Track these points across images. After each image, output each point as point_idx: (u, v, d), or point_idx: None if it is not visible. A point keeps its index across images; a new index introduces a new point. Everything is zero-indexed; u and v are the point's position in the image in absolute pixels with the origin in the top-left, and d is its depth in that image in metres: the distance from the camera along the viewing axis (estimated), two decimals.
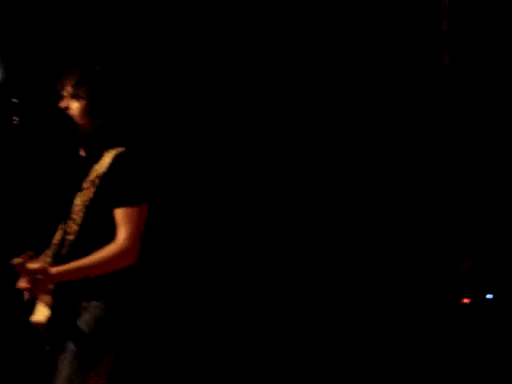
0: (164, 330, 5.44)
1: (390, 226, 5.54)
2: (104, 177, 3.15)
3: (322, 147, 5.62)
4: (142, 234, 3.14)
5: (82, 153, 3.30)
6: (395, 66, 5.55)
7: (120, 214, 3.11)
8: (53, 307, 3.10)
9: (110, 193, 3.13)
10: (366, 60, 5.52)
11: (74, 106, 3.22)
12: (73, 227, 3.16)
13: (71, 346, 3.07)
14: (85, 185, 3.17)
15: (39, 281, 2.96)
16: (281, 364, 5.49)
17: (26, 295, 3.14)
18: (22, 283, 3.05)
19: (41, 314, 3.11)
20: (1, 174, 5.87)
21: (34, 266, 2.94)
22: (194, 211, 5.55)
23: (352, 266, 5.56)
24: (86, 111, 3.21)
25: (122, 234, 3.09)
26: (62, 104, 3.23)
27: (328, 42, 5.57)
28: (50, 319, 3.09)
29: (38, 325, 3.10)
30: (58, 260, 3.16)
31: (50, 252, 3.26)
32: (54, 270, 3.02)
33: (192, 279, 5.52)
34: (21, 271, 2.96)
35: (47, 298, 3.13)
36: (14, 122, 3.19)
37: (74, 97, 3.21)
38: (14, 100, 3.20)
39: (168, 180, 5.31)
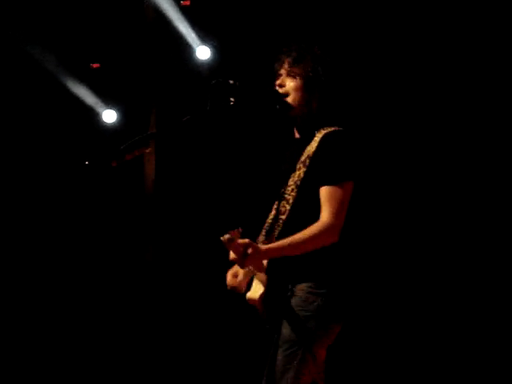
0: None
1: None
2: (313, 157, 3.21)
3: None
4: (345, 213, 3.14)
5: (297, 135, 3.36)
6: None
7: (324, 192, 3.15)
8: (267, 286, 3.18)
9: (318, 172, 3.19)
10: None
11: (290, 84, 3.28)
12: (286, 207, 3.23)
13: (284, 331, 3.12)
14: (297, 166, 3.24)
15: (249, 255, 2.99)
16: None
17: (234, 281, 3.24)
18: (232, 255, 3.13)
19: (255, 291, 3.22)
20: (214, 154, 6.07)
21: (242, 241, 2.99)
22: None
23: None
24: (300, 89, 3.26)
25: (325, 213, 3.12)
26: (278, 82, 3.30)
27: None
28: (265, 297, 3.16)
29: (252, 301, 3.21)
30: (271, 239, 3.24)
31: (264, 231, 3.37)
32: (263, 247, 3.08)
33: None
34: (230, 246, 3.02)
35: (262, 276, 3.25)
36: (231, 103, 3.24)
37: (291, 75, 3.28)
38: (230, 81, 3.25)
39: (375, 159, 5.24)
